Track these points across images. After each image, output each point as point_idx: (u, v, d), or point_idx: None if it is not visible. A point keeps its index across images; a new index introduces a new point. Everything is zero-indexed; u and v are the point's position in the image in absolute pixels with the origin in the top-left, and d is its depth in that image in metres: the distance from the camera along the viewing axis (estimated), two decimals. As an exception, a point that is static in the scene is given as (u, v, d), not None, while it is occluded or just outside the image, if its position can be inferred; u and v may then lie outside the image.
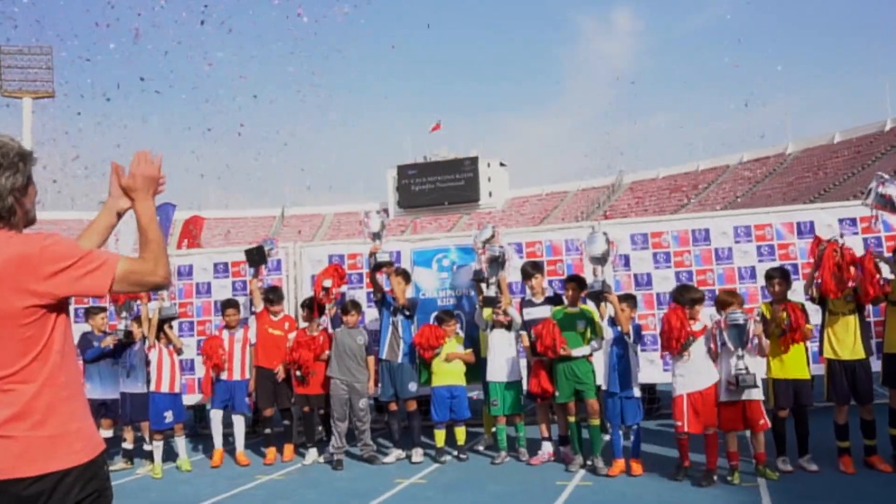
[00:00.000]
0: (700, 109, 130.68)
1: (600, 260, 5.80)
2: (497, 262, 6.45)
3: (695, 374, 5.34)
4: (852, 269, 5.33)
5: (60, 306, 1.89)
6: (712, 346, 5.37)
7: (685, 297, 5.50)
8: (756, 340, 5.24)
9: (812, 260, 5.65)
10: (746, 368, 5.15)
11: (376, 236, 6.81)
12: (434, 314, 7.19)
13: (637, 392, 5.71)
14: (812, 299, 5.64)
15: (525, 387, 6.53)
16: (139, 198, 2.08)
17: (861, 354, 5.42)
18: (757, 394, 5.30)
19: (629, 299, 5.90)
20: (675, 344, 5.30)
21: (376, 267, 6.76)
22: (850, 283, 5.37)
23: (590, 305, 6.19)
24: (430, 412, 6.74)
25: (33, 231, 1.95)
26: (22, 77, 53.40)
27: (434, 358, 6.64)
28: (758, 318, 5.34)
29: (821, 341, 5.59)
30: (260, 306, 7.15)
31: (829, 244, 5.41)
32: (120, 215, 2.20)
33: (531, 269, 6.53)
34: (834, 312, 5.49)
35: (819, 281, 5.54)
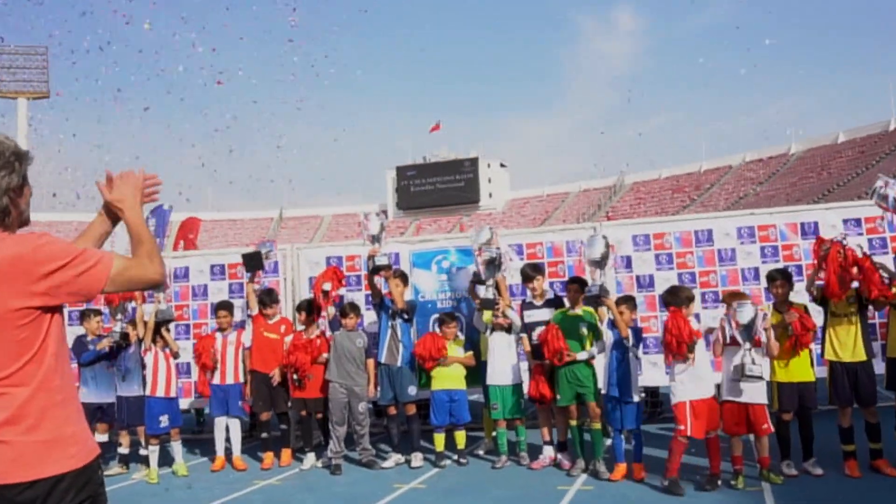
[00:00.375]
0: (702, 109, 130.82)
1: (599, 263, 5.81)
2: (493, 265, 6.43)
3: (697, 381, 5.33)
4: (855, 269, 5.34)
5: (55, 308, 1.88)
6: (719, 336, 5.36)
7: (681, 296, 5.49)
8: (765, 335, 5.22)
9: (815, 260, 5.65)
10: (753, 360, 5.15)
11: (375, 239, 6.80)
12: (434, 317, 7.19)
13: (637, 397, 5.70)
14: (814, 299, 5.64)
15: (525, 390, 6.52)
16: (126, 207, 2.10)
17: (863, 356, 5.42)
18: (760, 397, 5.30)
19: (628, 301, 5.88)
20: (684, 348, 5.28)
21: (374, 270, 6.75)
22: (854, 284, 5.38)
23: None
24: (429, 416, 6.73)
25: (25, 232, 1.94)
26: (17, 77, 53.41)
27: (435, 367, 6.64)
28: (767, 313, 5.33)
29: (822, 343, 5.59)
30: (256, 309, 7.15)
31: (832, 245, 5.41)
32: (116, 222, 2.21)
33: (531, 272, 6.52)
34: (836, 314, 5.49)
35: (820, 283, 5.55)
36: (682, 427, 5.26)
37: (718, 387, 7.61)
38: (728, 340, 5.31)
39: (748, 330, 5.13)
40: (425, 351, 6.57)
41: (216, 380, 7.00)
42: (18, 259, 1.79)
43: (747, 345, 5.15)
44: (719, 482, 5.28)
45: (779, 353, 5.45)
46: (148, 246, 2.00)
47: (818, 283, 5.60)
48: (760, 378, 5.20)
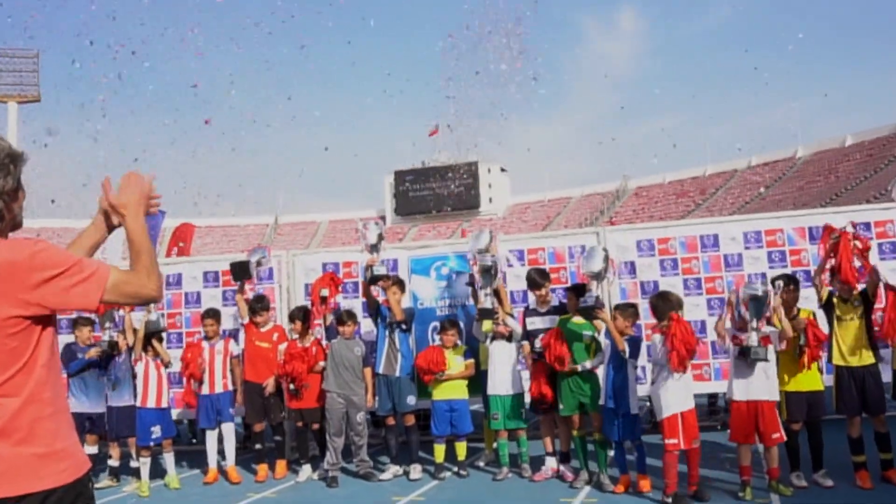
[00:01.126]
0: (707, 112, 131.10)
1: (597, 276, 5.80)
2: (490, 274, 6.41)
3: (685, 392, 5.36)
4: (868, 255, 5.42)
5: (47, 317, 1.86)
6: (726, 312, 5.34)
7: (672, 300, 5.48)
8: (775, 316, 5.20)
9: (823, 250, 5.68)
10: (759, 342, 5.13)
11: (374, 248, 6.78)
12: (432, 324, 7.16)
13: (635, 408, 5.67)
14: (821, 301, 5.64)
15: (528, 393, 6.47)
16: (129, 215, 2.05)
17: (871, 359, 5.44)
18: (770, 393, 5.24)
19: (625, 309, 5.86)
20: (687, 359, 5.24)
21: (372, 280, 6.72)
22: (865, 278, 5.42)
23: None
24: (429, 426, 6.70)
25: (18, 236, 1.93)
26: (7, 81, 53.51)
27: (435, 382, 6.61)
28: (777, 291, 5.33)
29: (829, 348, 5.59)
30: (247, 318, 7.12)
31: (842, 233, 5.44)
32: (110, 230, 2.19)
33: (539, 279, 6.48)
34: (842, 318, 5.50)
35: (832, 290, 5.55)
36: (675, 441, 5.24)
37: (717, 396, 7.60)
38: (733, 323, 5.28)
39: (757, 308, 5.12)
40: (426, 364, 6.55)
41: (205, 390, 6.94)
42: (12, 265, 1.77)
43: (754, 323, 5.14)
44: (708, 494, 5.27)
45: (790, 365, 5.45)
46: (147, 260, 1.96)
47: (828, 288, 5.60)
48: (766, 360, 5.16)
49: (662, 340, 5.31)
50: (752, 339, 5.13)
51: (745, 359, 5.17)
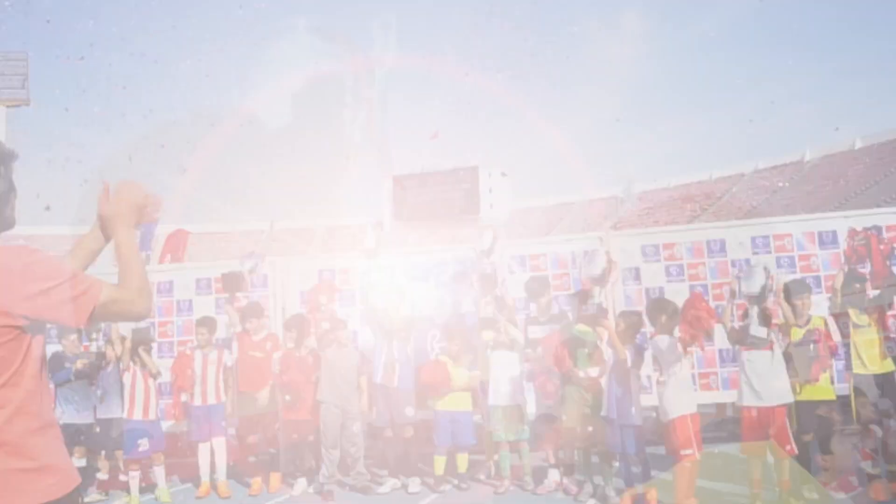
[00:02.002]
0: (712, 115, 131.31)
1: (599, 280, 5.77)
2: (490, 281, 6.38)
3: (690, 393, 5.33)
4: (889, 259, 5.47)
5: (37, 329, 1.83)
6: (736, 306, 5.32)
7: (668, 309, 5.45)
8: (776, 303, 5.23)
9: (848, 254, 5.69)
10: (759, 323, 5.12)
11: (372, 253, 6.76)
12: (431, 333, 7.13)
13: (638, 419, 5.63)
14: (835, 305, 5.64)
15: (532, 399, 6.44)
16: (119, 225, 2.02)
17: (891, 366, 5.44)
18: (783, 396, 5.21)
19: (633, 316, 5.82)
20: (705, 325, 5.17)
21: (370, 287, 6.70)
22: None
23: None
24: (429, 436, 6.66)
25: (11, 241, 1.91)
26: (-5, 84, 53.54)
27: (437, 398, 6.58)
28: (777, 280, 5.34)
29: (848, 357, 5.57)
30: (238, 327, 7.09)
31: (870, 235, 5.47)
32: (108, 239, 2.16)
33: (539, 289, 6.47)
34: (858, 325, 5.49)
35: (843, 296, 5.55)
36: (690, 451, 5.15)
37: (724, 406, 7.58)
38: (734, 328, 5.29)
39: (758, 299, 5.11)
40: (430, 380, 6.51)
41: (197, 401, 6.89)
42: (5, 274, 1.75)
43: (755, 309, 5.11)
44: None
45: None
46: (138, 279, 1.92)
47: (844, 298, 5.60)
48: (766, 339, 5.13)
49: (666, 342, 5.29)
50: (752, 319, 5.10)
51: (745, 340, 5.13)
